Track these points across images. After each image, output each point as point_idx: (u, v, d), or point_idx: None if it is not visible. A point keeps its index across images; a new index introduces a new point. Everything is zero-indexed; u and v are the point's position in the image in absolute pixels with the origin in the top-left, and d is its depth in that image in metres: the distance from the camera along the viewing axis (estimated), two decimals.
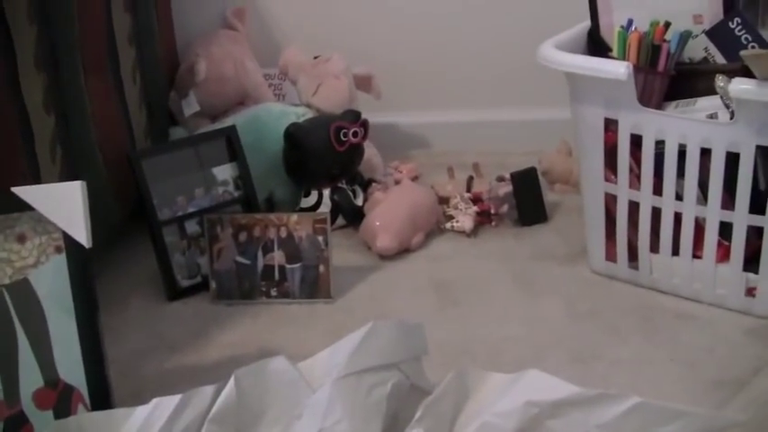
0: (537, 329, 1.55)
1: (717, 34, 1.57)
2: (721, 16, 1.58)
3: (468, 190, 1.98)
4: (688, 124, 1.48)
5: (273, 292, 1.67)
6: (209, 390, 1.14)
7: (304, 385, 1.16)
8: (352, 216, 1.92)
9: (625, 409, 1.08)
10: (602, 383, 1.38)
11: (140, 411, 1.12)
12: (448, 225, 1.90)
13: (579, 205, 1.72)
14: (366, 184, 1.98)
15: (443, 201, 1.96)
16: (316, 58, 2.12)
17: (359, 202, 1.94)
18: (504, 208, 1.91)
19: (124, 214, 1.78)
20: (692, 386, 1.39)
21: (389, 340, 1.18)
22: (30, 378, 1.19)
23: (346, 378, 1.14)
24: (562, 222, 1.92)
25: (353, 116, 1.92)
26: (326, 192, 1.92)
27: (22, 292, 1.19)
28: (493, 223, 1.92)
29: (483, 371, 1.18)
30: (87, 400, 1.21)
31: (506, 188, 1.91)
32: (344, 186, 1.94)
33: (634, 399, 1.07)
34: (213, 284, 1.68)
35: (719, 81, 1.45)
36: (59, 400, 1.21)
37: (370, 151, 2.07)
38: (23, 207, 1.18)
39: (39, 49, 1.44)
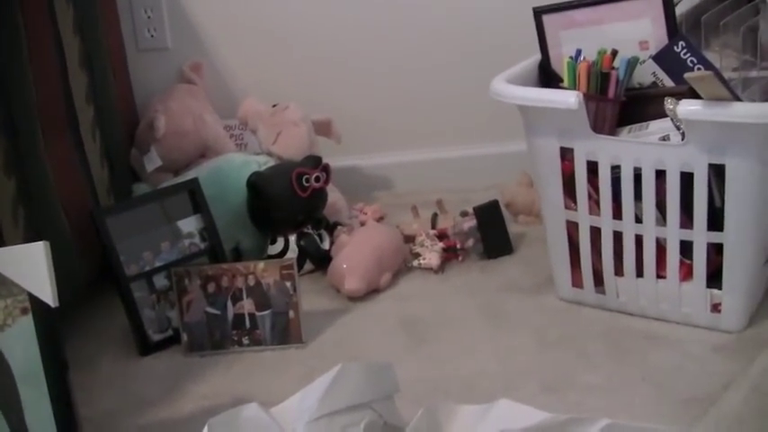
0: (508, 361, 1.56)
1: (663, 59, 1.61)
2: (666, 41, 1.61)
3: (434, 227, 2.00)
4: (641, 148, 1.51)
5: (245, 341, 1.67)
6: None
7: (277, 430, 1.16)
8: (320, 260, 1.93)
9: (596, 431, 1.09)
10: (575, 409, 1.38)
11: None
12: (415, 263, 1.92)
13: (543, 235, 1.74)
14: (332, 228, 1.99)
15: (409, 239, 1.98)
16: (274, 106, 2.14)
17: (325, 246, 1.95)
18: (470, 242, 1.93)
19: (91, 272, 1.78)
20: (663, 405, 1.40)
21: (359, 381, 1.19)
22: None
23: (319, 420, 1.15)
24: (528, 253, 1.94)
25: (314, 162, 1.94)
26: (293, 238, 1.93)
27: None
28: (459, 258, 1.93)
29: (454, 404, 1.19)
30: None
31: (470, 222, 1.93)
32: (310, 231, 1.95)
33: (604, 421, 1.09)
34: (185, 337, 1.68)
35: (668, 104, 1.48)
36: None
37: (334, 195, 2.09)
38: None
39: None
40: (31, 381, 1.20)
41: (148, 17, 2.28)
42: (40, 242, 1.19)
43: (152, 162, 2.09)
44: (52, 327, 1.22)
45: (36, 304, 1.20)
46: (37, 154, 1.60)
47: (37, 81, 1.61)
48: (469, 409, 1.17)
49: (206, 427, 1.14)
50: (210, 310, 1.68)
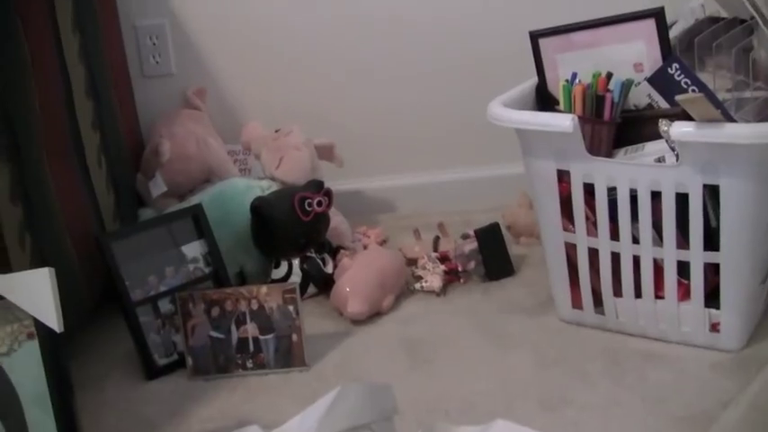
0: (507, 381, 1.57)
1: (657, 80, 1.63)
2: (660, 63, 1.63)
3: (435, 250, 2.02)
4: (636, 169, 1.53)
5: (249, 364, 1.69)
6: None
7: None
8: (323, 284, 1.95)
9: None
10: (572, 429, 1.41)
11: None
12: (417, 285, 1.93)
13: (544, 256, 1.76)
14: (335, 252, 2.01)
15: (411, 262, 2.00)
16: (277, 131, 2.17)
17: (328, 269, 1.97)
18: (471, 265, 1.95)
19: (96, 297, 1.81)
20: (662, 424, 1.41)
21: (358, 402, 1.20)
22: None
23: None
24: (529, 274, 1.96)
25: (316, 186, 1.96)
26: (296, 261, 1.95)
27: None
28: (461, 280, 1.95)
29: (451, 425, 1.21)
30: None
31: (472, 245, 1.95)
32: (313, 255, 1.97)
33: None
34: (189, 361, 1.70)
35: (663, 125, 1.50)
36: None
37: (336, 219, 2.11)
38: None
39: (2, 140, 1.48)
40: (37, 404, 1.22)
41: (153, 44, 2.31)
42: (45, 268, 1.22)
43: (157, 187, 2.12)
44: (57, 351, 1.24)
45: (41, 329, 1.23)
46: (43, 180, 1.63)
47: (43, 108, 1.63)
48: (467, 430, 1.19)
49: None
50: (215, 334, 1.70)
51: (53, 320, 1.21)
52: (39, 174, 1.62)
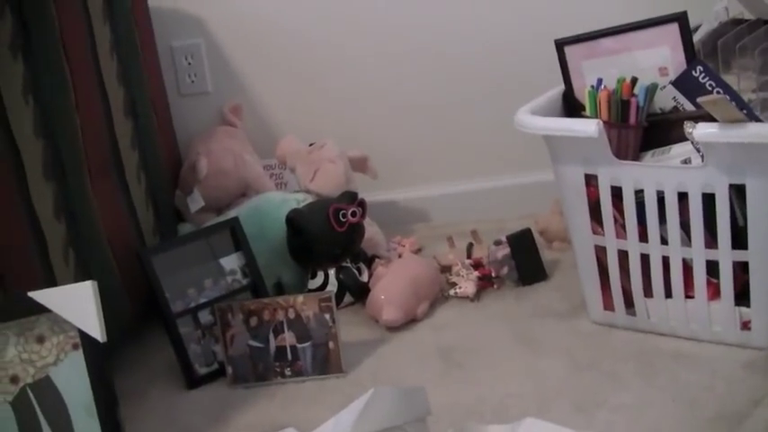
0: (540, 384, 1.59)
1: (682, 83, 1.65)
2: (684, 66, 1.65)
3: (469, 256, 2.05)
4: (662, 171, 1.55)
5: (287, 372, 1.73)
6: None
7: None
8: (359, 293, 1.98)
9: None
10: (605, 430, 1.42)
11: None
12: (451, 292, 1.96)
13: (575, 260, 1.78)
14: (370, 261, 2.05)
15: (446, 269, 2.03)
16: (311, 145, 2.21)
17: (364, 278, 2.00)
18: (504, 270, 1.97)
19: (138, 309, 1.86)
20: (693, 424, 1.42)
21: (392, 404, 1.23)
22: None
23: None
24: (562, 278, 1.98)
25: (350, 197, 2.00)
26: (332, 272, 1.99)
27: (45, 389, 1.27)
28: (495, 286, 1.98)
29: (482, 424, 1.23)
30: None
31: (504, 251, 1.97)
32: (349, 265, 2.01)
33: None
34: (229, 370, 1.74)
35: (688, 127, 1.52)
36: None
37: (371, 229, 2.15)
38: (40, 309, 1.26)
39: (46, 159, 1.54)
40: (83, 411, 1.27)
41: (189, 63, 2.37)
42: (88, 281, 1.27)
43: (195, 203, 2.17)
44: (101, 361, 1.29)
45: (86, 340, 1.27)
46: (85, 197, 1.68)
47: (84, 129, 1.69)
48: (497, 429, 1.21)
49: None
50: (253, 343, 1.74)
51: (97, 331, 1.26)
52: (81, 191, 1.67)
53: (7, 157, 1.43)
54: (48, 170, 1.54)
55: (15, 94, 1.45)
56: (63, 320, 1.27)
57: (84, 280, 1.29)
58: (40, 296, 1.26)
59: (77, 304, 1.27)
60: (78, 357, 1.28)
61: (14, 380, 1.26)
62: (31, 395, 1.26)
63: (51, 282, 1.51)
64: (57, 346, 1.28)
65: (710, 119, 1.46)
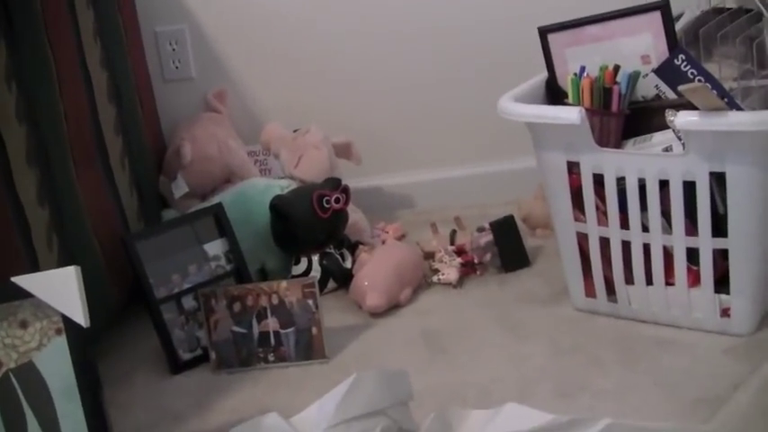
0: (523, 368, 1.61)
1: (664, 71, 1.66)
2: (667, 54, 1.66)
3: (452, 243, 2.05)
4: (644, 159, 1.56)
5: (271, 357, 1.74)
6: None
7: None
8: (343, 279, 1.99)
9: (598, 431, 1.14)
10: (587, 413, 1.43)
11: None
12: (434, 278, 1.97)
13: (558, 247, 1.79)
14: (354, 247, 2.06)
15: (429, 256, 2.04)
16: (295, 131, 2.22)
17: (347, 264, 2.01)
18: (487, 257, 1.98)
19: (122, 295, 1.86)
20: (674, 407, 1.44)
21: (374, 388, 1.24)
22: None
23: (335, 427, 1.21)
24: (544, 265, 1.99)
25: (334, 183, 2.01)
26: (315, 258, 1.99)
27: (28, 374, 1.26)
28: (477, 272, 1.99)
29: (463, 409, 1.25)
30: None
31: (487, 237, 1.98)
32: (332, 251, 2.01)
33: (605, 420, 1.14)
34: (213, 355, 1.75)
35: (669, 115, 1.53)
36: None
37: (355, 215, 2.16)
38: (23, 294, 1.26)
39: (29, 145, 1.53)
40: (66, 397, 1.27)
41: (173, 49, 2.36)
42: (72, 267, 1.26)
43: (179, 188, 2.17)
44: (85, 346, 1.29)
45: (69, 325, 1.27)
46: (69, 183, 1.68)
47: (67, 114, 1.69)
48: (478, 414, 1.23)
49: None
50: (237, 328, 1.75)
51: (80, 316, 1.26)
52: (65, 177, 1.67)
53: None
54: (31, 156, 1.54)
55: None
56: (46, 305, 1.27)
57: (67, 266, 1.29)
58: (24, 281, 1.26)
59: (61, 289, 1.27)
60: (61, 342, 1.28)
61: None
62: (13, 380, 1.26)
63: (35, 267, 1.51)
64: (40, 332, 1.28)
65: (692, 107, 1.48)
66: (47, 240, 1.57)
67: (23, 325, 1.27)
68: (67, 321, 1.27)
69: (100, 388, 1.32)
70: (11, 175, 1.47)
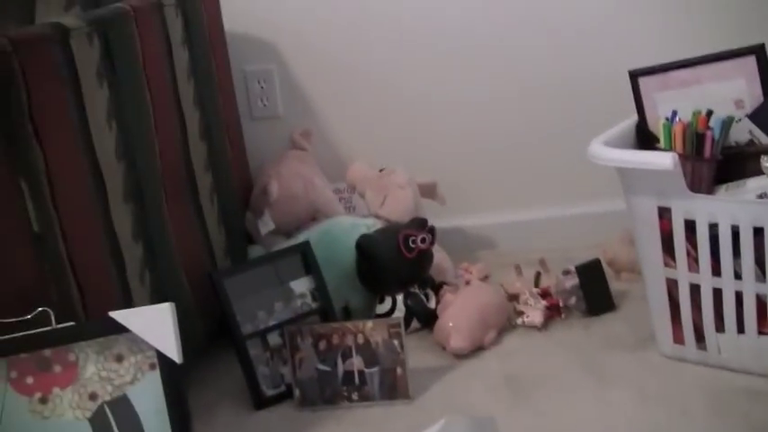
0: (608, 416, 1.59)
1: (758, 116, 1.64)
2: (761, 99, 1.64)
3: (537, 285, 2.04)
4: (738, 206, 1.54)
5: (354, 396, 1.74)
6: None
7: None
8: (426, 319, 1.99)
9: None
10: None
11: None
12: (519, 321, 1.96)
13: (646, 292, 1.77)
14: (438, 287, 2.06)
15: (513, 297, 2.03)
16: (381, 171, 2.23)
17: (431, 305, 2.01)
18: (572, 300, 1.97)
19: (209, 329, 1.88)
20: None
21: None
22: None
23: None
24: (630, 310, 1.97)
25: (420, 224, 2.01)
26: (400, 297, 2.00)
27: (122, 407, 1.29)
28: (562, 316, 1.97)
29: None
30: None
31: (573, 281, 1.97)
32: (417, 291, 2.02)
33: None
34: (297, 392, 1.76)
35: (764, 161, 1.51)
36: None
37: (439, 255, 2.16)
38: (120, 329, 1.29)
39: (126, 183, 1.57)
40: (157, 430, 1.29)
41: (261, 87, 2.41)
42: (167, 303, 1.29)
43: (266, 225, 2.19)
44: (177, 381, 1.31)
45: (163, 360, 1.30)
46: (161, 220, 1.72)
47: (162, 152, 1.73)
48: None
49: None
50: (322, 366, 1.75)
51: (174, 352, 1.29)
52: (158, 213, 1.71)
53: (91, 180, 1.47)
54: (128, 193, 1.58)
55: (100, 120, 1.49)
56: (141, 341, 1.30)
57: (158, 301, 1.32)
58: (120, 316, 1.29)
59: (156, 325, 1.29)
60: (155, 377, 1.30)
61: (93, 397, 1.30)
62: (108, 412, 1.29)
63: (128, 302, 1.55)
64: (134, 366, 1.31)
65: None
66: (140, 275, 1.60)
67: (119, 359, 1.30)
68: (161, 357, 1.30)
69: (189, 422, 1.34)
70: (109, 211, 1.51)
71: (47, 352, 1.29)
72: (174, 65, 1.83)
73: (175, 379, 1.31)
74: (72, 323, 1.30)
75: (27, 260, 1.34)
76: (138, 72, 1.65)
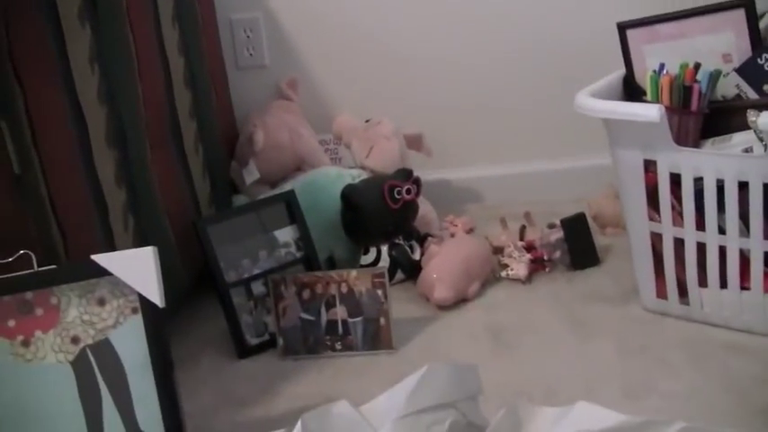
0: (590, 367, 1.59)
1: (746, 71, 1.63)
2: (749, 53, 1.63)
3: (522, 239, 2.05)
4: (723, 160, 1.53)
5: (338, 346, 1.75)
6: None
7: (366, 426, 1.22)
8: (410, 270, 1.99)
9: None
10: (654, 415, 1.41)
11: None
12: (503, 273, 1.97)
13: (630, 247, 1.77)
14: (422, 239, 2.05)
15: (498, 250, 2.03)
16: (367, 122, 2.22)
17: (416, 256, 2.01)
18: (557, 254, 1.97)
19: (192, 278, 1.88)
20: (744, 415, 1.41)
21: (445, 381, 1.23)
22: (114, 431, 1.28)
23: (405, 418, 1.20)
24: (614, 264, 1.97)
25: (405, 175, 2.01)
26: (384, 248, 2.00)
27: (104, 351, 1.29)
28: (546, 269, 1.98)
29: (534, 405, 1.23)
30: None
31: (557, 234, 1.97)
32: (401, 242, 2.01)
33: (679, 423, 1.12)
34: (280, 341, 1.76)
35: (751, 116, 1.50)
36: None
37: (425, 207, 2.16)
38: (102, 273, 1.28)
39: (109, 127, 1.56)
40: (140, 374, 1.29)
41: (248, 37, 2.38)
42: (150, 247, 1.28)
43: (251, 175, 2.19)
44: (159, 325, 1.31)
45: (145, 304, 1.29)
46: (144, 166, 1.70)
47: (145, 97, 1.71)
48: (549, 411, 1.21)
49: (299, 422, 1.21)
50: (305, 315, 1.76)
51: (156, 296, 1.28)
52: (141, 159, 1.69)
53: (73, 122, 1.45)
54: (110, 137, 1.56)
55: (82, 61, 1.47)
56: (123, 284, 1.29)
57: (141, 246, 1.31)
58: (103, 259, 1.28)
59: (138, 269, 1.29)
60: (137, 321, 1.30)
61: (75, 340, 1.29)
62: (90, 356, 1.29)
63: (111, 248, 1.54)
64: (116, 310, 1.30)
65: None
66: (123, 220, 1.59)
67: (101, 303, 1.30)
68: (144, 301, 1.29)
69: (172, 368, 1.34)
70: (91, 155, 1.50)
71: (28, 295, 1.28)
72: (158, 9, 1.80)
73: (158, 324, 1.30)
74: (54, 266, 1.29)
75: (8, 202, 1.33)
76: (121, 14, 1.62)
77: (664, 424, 1.13)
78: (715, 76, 1.65)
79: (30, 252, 1.28)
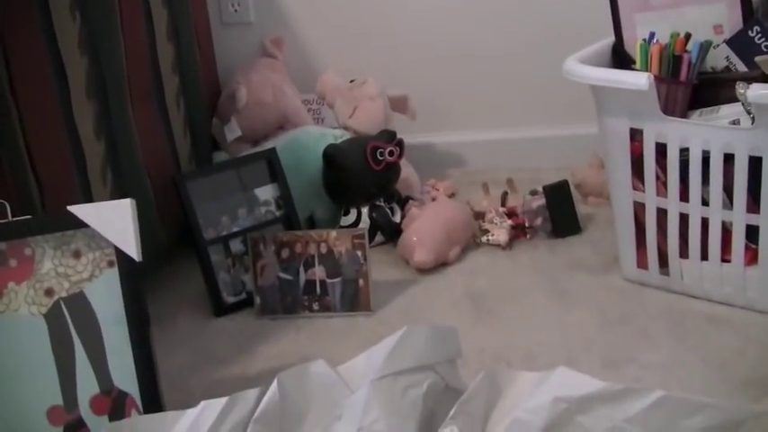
0: (570, 336, 1.59)
1: (737, 43, 1.61)
2: (741, 25, 1.62)
3: (503, 205, 2.03)
4: (710, 131, 1.52)
5: (315, 306, 1.73)
6: (253, 393, 1.19)
7: (343, 387, 1.21)
8: (391, 233, 1.98)
9: (650, 402, 1.11)
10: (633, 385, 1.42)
11: (189, 414, 1.17)
12: (484, 239, 1.95)
13: (612, 216, 1.76)
14: (403, 202, 2.04)
15: (479, 216, 2.02)
16: (351, 81, 2.19)
17: (397, 219, 2.00)
18: (538, 221, 1.96)
19: (171, 235, 1.86)
20: (723, 386, 1.42)
21: (423, 343, 1.23)
22: (86, 385, 1.27)
23: (383, 379, 1.19)
24: (595, 233, 1.96)
25: (389, 136, 1.99)
26: (365, 210, 1.98)
27: (78, 304, 1.27)
28: (527, 236, 1.97)
29: (513, 370, 1.23)
30: (140, 406, 1.28)
31: (539, 201, 1.96)
32: (382, 204, 2.00)
33: (658, 392, 1.11)
34: (257, 300, 1.75)
35: (740, 88, 1.49)
36: (114, 406, 1.28)
37: (407, 170, 2.14)
38: (78, 224, 1.26)
39: (89, 78, 1.53)
40: (114, 329, 1.28)
41: None
42: (127, 200, 1.26)
43: (232, 132, 2.16)
44: (135, 279, 1.29)
45: (121, 258, 1.27)
46: (125, 119, 1.68)
47: (127, 49, 1.68)
48: (528, 376, 1.21)
49: (275, 381, 1.20)
50: (283, 275, 1.74)
51: (133, 249, 1.26)
52: (122, 112, 1.67)
53: (52, 71, 1.42)
54: (90, 89, 1.54)
55: (63, 10, 1.44)
56: (100, 237, 1.27)
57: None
58: (79, 210, 1.26)
59: (115, 221, 1.27)
60: (113, 275, 1.28)
61: (49, 293, 1.27)
62: (64, 309, 1.27)
63: (88, 200, 1.52)
64: (92, 263, 1.28)
65: (763, 79, 1.44)
66: (101, 174, 1.57)
67: (76, 255, 1.28)
68: (120, 254, 1.27)
69: (147, 323, 1.32)
70: (70, 105, 1.47)
71: (2, 245, 1.26)
72: None
73: (134, 278, 1.29)
74: (29, 216, 1.27)
75: None
76: None
77: (643, 392, 1.13)
78: (705, 47, 1.63)
79: (4, 202, 1.26)
